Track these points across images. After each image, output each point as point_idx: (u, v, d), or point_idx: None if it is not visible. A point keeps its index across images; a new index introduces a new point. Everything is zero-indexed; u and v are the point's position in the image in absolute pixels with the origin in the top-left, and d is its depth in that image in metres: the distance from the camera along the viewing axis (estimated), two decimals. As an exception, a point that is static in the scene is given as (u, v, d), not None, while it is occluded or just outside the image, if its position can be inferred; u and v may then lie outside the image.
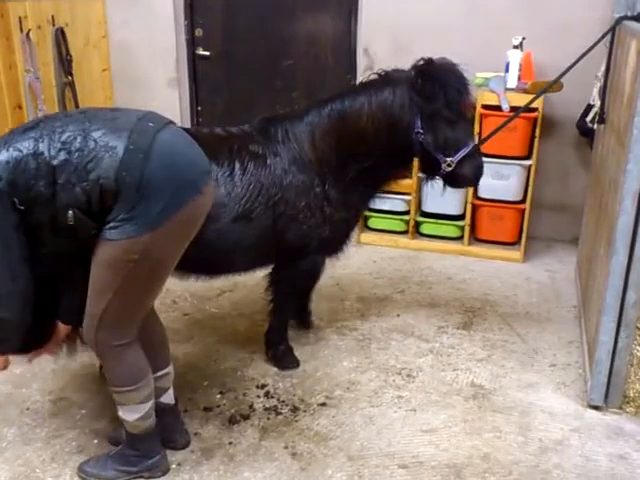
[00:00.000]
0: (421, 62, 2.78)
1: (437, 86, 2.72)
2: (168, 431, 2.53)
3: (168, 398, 2.51)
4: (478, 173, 2.93)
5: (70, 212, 1.96)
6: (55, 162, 1.94)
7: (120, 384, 2.26)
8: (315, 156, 2.81)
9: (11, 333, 2.07)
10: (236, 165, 2.71)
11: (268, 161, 2.76)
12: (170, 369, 2.49)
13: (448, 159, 2.80)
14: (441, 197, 4.19)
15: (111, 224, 1.98)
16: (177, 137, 2.16)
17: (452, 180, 2.92)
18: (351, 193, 2.89)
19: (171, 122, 2.19)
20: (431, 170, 2.94)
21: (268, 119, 2.93)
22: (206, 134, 2.83)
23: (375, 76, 2.88)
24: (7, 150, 1.96)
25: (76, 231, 2.00)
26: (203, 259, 2.71)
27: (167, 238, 2.05)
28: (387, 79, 2.83)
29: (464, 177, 2.88)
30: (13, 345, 2.13)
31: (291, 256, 2.91)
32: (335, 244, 3.02)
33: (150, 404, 2.32)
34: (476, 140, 3.10)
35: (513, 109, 3.92)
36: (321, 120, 2.83)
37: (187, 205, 2.05)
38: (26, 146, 1.96)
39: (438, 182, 3.01)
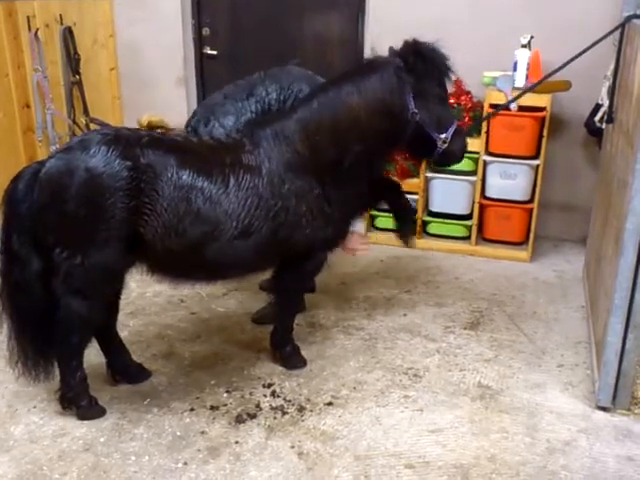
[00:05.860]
0: (407, 43, 2.77)
1: (430, 64, 2.74)
2: None
3: None
4: (465, 149, 3.00)
5: None
6: None
7: None
8: (309, 153, 2.75)
9: None
10: (231, 181, 2.61)
11: (263, 171, 2.68)
12: None
13: (442, 136, 2.82)
14: (448, 197, 4.19)
15: None
16: None
17: (443, 158, 2.95)
18: (348, 187, 2.85)
19: None
20: (426, 151, 2.94)
21: (256, 124, 2.87)
22: (195, 144, 2.72)
23: (355, 65, 2.89)
24: None
25: None
26: (202, 273, 2.83)
27: None
28: (370, 65, 2.82)
29: (454, 153, 2.93)
30: None
31: (296, 259, 2.91)
32: (338, 240, 3.02)
33: None
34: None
35: (521, 108, 3.91)
36: (312, 115, 2.78)
37: None
38: None
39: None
